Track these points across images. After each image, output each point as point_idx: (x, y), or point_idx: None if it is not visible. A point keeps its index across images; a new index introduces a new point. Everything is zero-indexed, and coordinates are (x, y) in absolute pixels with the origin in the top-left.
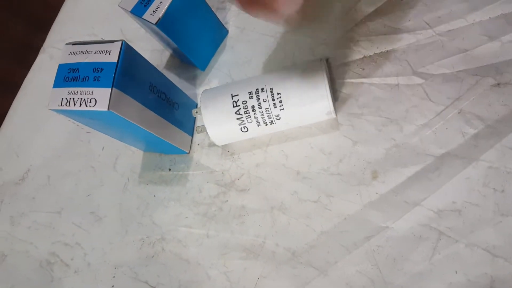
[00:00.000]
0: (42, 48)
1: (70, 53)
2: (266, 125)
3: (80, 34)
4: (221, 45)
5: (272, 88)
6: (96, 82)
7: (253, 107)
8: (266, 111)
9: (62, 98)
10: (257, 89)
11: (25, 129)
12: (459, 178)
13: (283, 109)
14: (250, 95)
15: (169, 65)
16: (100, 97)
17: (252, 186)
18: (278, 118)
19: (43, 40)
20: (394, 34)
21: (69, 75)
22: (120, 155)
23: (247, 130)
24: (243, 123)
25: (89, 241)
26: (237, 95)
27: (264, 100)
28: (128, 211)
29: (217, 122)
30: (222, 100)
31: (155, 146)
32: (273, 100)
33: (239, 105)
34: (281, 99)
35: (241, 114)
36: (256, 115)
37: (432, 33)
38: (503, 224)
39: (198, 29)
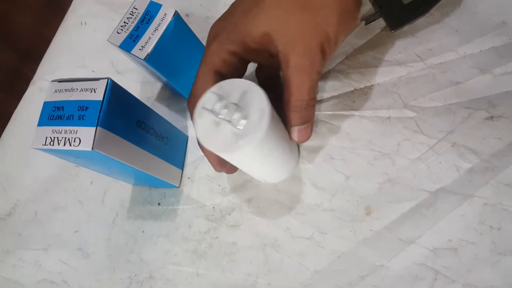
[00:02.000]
0: (32, 80)
1: (56, 91)
2: None
3: (70, 66)
4: None
5: None
6: (81, 121)
7: None
8: None
9: (46, 137)
10: None
11: (13, 162)
12: (454, 215)
13: None
14: None
15: (159, 97)
16: (85, 136)
17: (244, 222)
18: None
19: (34, 71)
20: (385, 66)
21: (54, 113)
22: (108, 189)
23: None
24: None
25: (76, 279)
26: None
27: None
28: (116, 247)
29: None
30: None
31: (144, 181)
32: None
33: None
34: None
35: None
36: None
37: (423, 65)
38: (501, 264)
39: (188, 62)
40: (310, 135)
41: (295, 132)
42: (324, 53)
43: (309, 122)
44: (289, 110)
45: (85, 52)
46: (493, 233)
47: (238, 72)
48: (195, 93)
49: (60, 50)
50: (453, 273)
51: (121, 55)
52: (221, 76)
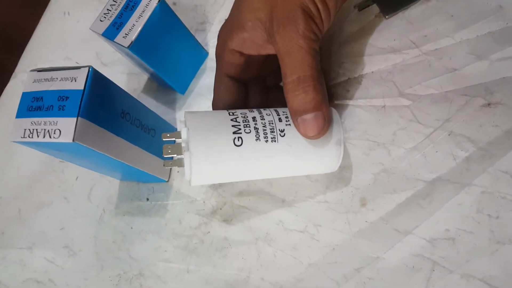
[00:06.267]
0: (14, 73)
1: (35, 81)
2: (266, 141)
3: (53, 58)
4: (201, 68)
5: (276, 109)
6: (61, 111)
7: (254, 118)
8: (269, 123)
9: (25, 129)
10: (258, 109)
11: None
12: (451, 204)
13: (290, 124)
14: (251, 111)
15: (146, 89)
16: (65, 127)
17: (235, 216)
18: (282, 134)
19: (15, 64)
20: (379, 54)
21: (33, 104)
22: (95, 185)
23: (241, 144)
24: (239, 132)
25: (62, 278)
26: (235, 111)
27: (268, 114)
28: (104, 244)
29: (205, 127)
30: (216, 112)
31: (131, 175)
32: (278, 115)
33: (237, 115)
34: (287, 115)
35: (238, 122)
36: (256, 125)
37: (419, 52)
38: (500, 253)
39: (175, 52)
40: (323, 129)
41: (299, 123)
42: (308, 13)
43: (317, 110)
44: (286, 93)
45: (69, 44)
46: (492, 222)
47: (249, 70)
48: (215, 97)
49: (43, 41)
50: (451, 263)
51: (106, 46)
52: (231, 78)
